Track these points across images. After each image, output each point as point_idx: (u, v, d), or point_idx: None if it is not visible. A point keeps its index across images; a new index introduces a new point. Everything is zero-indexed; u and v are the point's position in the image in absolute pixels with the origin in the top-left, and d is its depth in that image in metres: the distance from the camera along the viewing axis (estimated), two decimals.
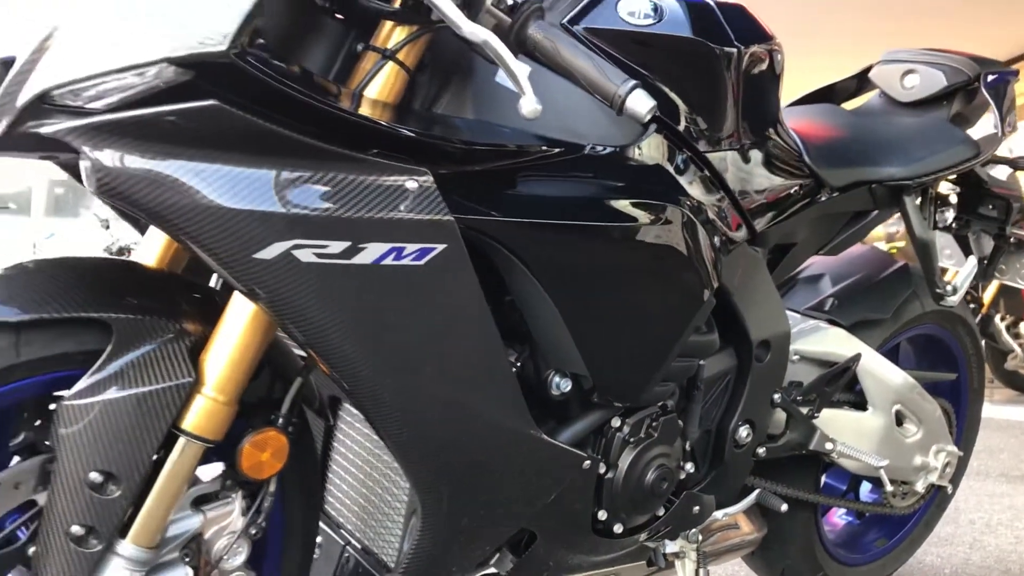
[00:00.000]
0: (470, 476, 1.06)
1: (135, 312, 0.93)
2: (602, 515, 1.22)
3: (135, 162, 0.80)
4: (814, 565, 1.81)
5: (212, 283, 1.17)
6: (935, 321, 1.85)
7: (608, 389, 1.13)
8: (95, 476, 0.91)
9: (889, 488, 1.68)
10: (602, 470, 1.20)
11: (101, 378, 0.91)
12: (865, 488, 1.94)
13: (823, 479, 1.81)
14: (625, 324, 1.11)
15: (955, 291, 1.65)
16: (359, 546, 1.24)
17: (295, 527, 1.14)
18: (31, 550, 0.93)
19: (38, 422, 0.96)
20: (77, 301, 0.92)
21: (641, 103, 0.91)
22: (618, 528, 1.25)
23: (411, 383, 0.97)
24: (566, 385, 1.12)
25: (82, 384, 0.90)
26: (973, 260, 1.75)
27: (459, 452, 1.04)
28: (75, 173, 1.06)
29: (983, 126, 1.71)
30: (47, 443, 0.94)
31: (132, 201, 0.82)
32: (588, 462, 1.16)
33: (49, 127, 0.81)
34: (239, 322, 0.96)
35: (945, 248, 1.99)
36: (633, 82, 0.92)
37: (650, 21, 1.12)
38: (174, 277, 1.07)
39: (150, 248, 1.11)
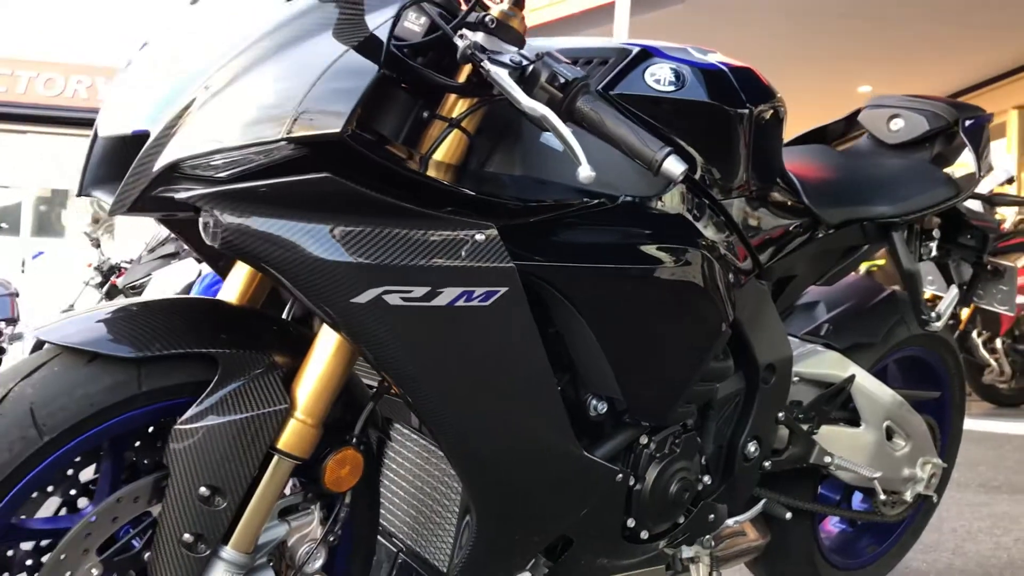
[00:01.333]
0: (522, 488, 1.20)
1: (235, 347, 1.07)
2: (631, 523, 1.37)
3: (256, 223, 0.95)
4: (812, 570, 1.96)
5: (284, 315, 1.32)
6: (920, 343, 2.01)
7: (639, 410, 1.29)
8: (204, 490, 1.04)
9: (882, 497, 1.84)
10: (631, 482, 1.34)
11: (209, 405, 1.04)
12: (856, 498, 2.10)
13: (819, 490, 1.96)
14: (655, 353, 1.26)
15: (939, 317, 1.81)
16: (412, 553, 1.38)
17: (359, 536, 1.28)
18: (145, 556, 1.07)
19: (154, 444, 1.09)
20: (186, 339, 1.05)
21: (675, 167, 1.06)
22: (644, 534, 1.39)
23: (474, 406, 1.12)
24: (603, 407, 1.27)
25: (193, 411, 1.04)
26: (955, 289, 1.91)
27: (513, 466, 1.18)
28: (175, 228, 1.20)
29: (962, 166, 1.87)
30: (161, 462, 1.09)
31: (251, 256, 0.97)
32: (620, 475, 1.31)
33: (183, 193, 0.95)
34: (325, 354, 1.10)
35: (928, 275, 2.15)
36: (668, 149, 1.07)
37: (672, 88, 1.27)
38: (258, 313, 1.21)
39: (232, 287, 1.25)
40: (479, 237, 1.05)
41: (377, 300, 1.00)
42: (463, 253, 1.04)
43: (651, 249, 1.23)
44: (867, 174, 1.82)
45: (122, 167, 1.06)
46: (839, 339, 1.82)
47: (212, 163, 0.95)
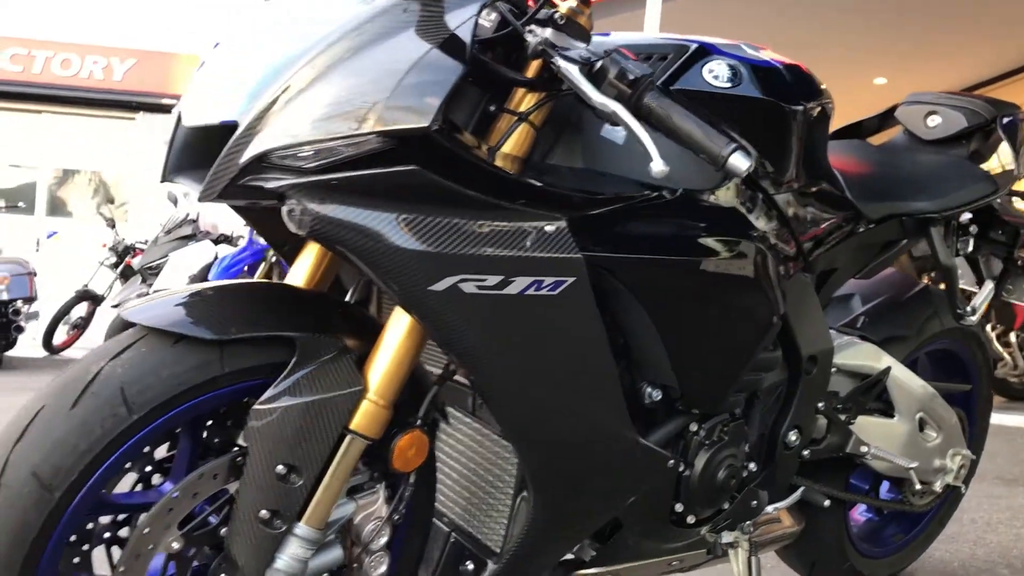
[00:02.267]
0: (579, 471, 1.24)
1: (311, 330, 1.11)
2: (678, 507, 1.41)
3: (343, 212, 0.98)
4: (842, 557, 2.00)
5: (347, 298, 1.36)
6: (951, 336, 2.04)
7: (693, 398, 1.32)
8: (281, 468, 1.08)
9: (917, 487, 1.87)
10: (681, 468, 1.38)
11: (287, 386, 1.08)
12: (883, 488, 2.13)
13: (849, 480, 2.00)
14: (711, 342, 1.30)
15: (974, 311, 1.84)
16: (463, 532, 1.42)
17: (418, 515, 1.32)
18: (222, 531, 1.11)
19: (231, 423, 1.13)
20: (265, 322, 1.09)
21: (740, 162, 1.09)
22: (691, 519, 1.43)
23: (538, 391, 1.15)
24: (657, 395, 1.31)
25: (271, 391, 1.08)
26: (990, 284, 1.94)
27: (572, 450, 1.22)
28: (248, 216, 1.24)
29: (999, 163, 1.90)
30: (233, 441, 1.13)
31: (336, 243, 1.00)
32: (671, 461, 1.35)
33: (273, 183, 0.99)
34: (396, 337, 1.14)
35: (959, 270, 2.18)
36: (734, 145, 1.10)
37: (730, 85, 1.30)
38: (329, 298, 1.25)
39: (299, 272, 1.28)
40: (549, 228, 1.09)
41: (453, 288, 1.04)
42: (534, 244, 1.08)
43: (708, 241, 1.27)
44: (906, 170, 1.85)
45: (204, 156, 1.10)
46: (874, 331, 1.85)
47: (300, 154, 0.99)
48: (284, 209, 1.02)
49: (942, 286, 1.91)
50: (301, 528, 1.11)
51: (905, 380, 1.84)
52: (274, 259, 7.29)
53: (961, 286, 2.15)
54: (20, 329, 7.48)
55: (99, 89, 11.58)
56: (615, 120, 1.09)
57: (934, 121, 1.95)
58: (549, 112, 1.21)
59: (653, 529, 1.42)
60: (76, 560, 1.05)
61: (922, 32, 7.77)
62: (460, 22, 1.03)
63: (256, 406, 1.07)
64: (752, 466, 1.49)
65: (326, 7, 1.10)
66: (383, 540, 1.22)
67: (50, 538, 0.99)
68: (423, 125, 0.97)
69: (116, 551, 1.11)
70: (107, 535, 1.11)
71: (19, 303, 7.43)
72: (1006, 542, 2.68)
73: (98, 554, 1.09)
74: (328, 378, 1.09)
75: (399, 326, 1.14)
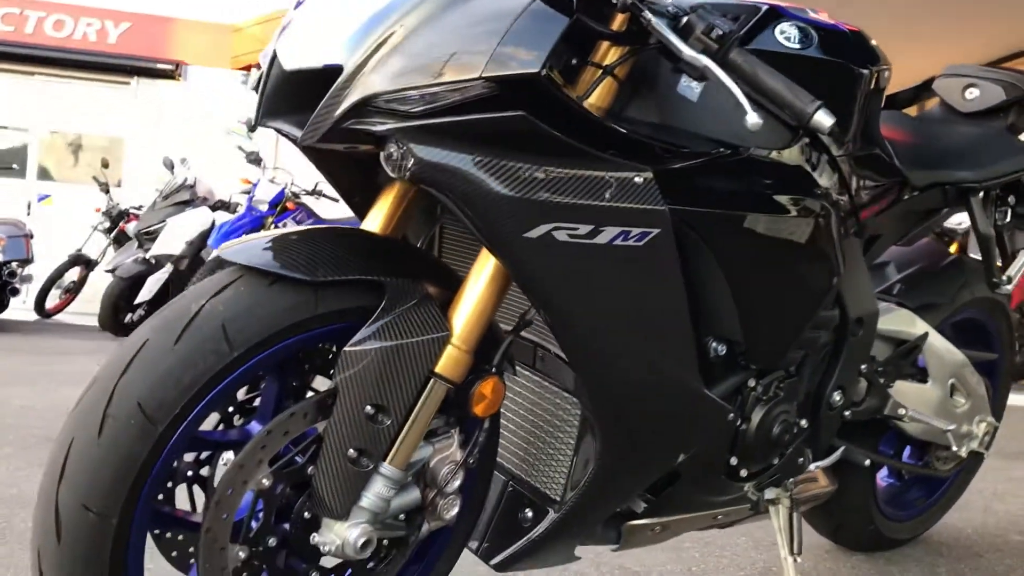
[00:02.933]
0: (648, 420, 1.27)
1: (399, 275, 1.13)
2: (733, 461, 1.44)
3: (448, 157, 1.00)
4: (868, 519, 2.05)
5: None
6: (979, 306, 2.09)
7: (756, 354, 1.35)
8: (369, 409, 1.10)
9: (949, 451, 1.92)
10: (738, 422, 1.41)
11: (376, 329, 1.10)
12: (906, 453, 2.18)
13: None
14: (778, 298, 1.33)
15: (1010, 281, 1.88)
16: (521, 482, 1.44)
17: (483, 461, 1.34)
18: (309, 469, 1.13)
19: (318, 364, 1.16)
20: (356, 266, 1.11)
21: (825, 119, 1.12)
22: (743, 472, 1.47)
23: (617, 340, 1.18)
24: (722, 349, 1.34)
25: (362, 334, 1.10)
26: None
27: (644, 399, 1.24)
28: (323, 164, 1.25)
29: None
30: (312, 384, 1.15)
31: (438, 187, 1.02)
32: (732, 414, 1.38)
33: (379, 126, 1.00)
34: (480, 285, 1.16)
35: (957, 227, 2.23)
36: (818, 102, 1.12)
37: (801, 46, 1.32)
38: (411, 245, 1.27)
39: (373, 223, 1.29)
40: (638, 180, 1.11)
41: (547, 235, 1.06)
42: (624, 194, 1.10)
43: (780, 198, 1.29)
44: (947, 140, 1.88)
45: (300, 99, 1.11)
46: (910, 298, 1.89)
47: (406, 98, 1.00)
48: (383, 154, 1.04)
49: (976, 255, 1.95)
50: (386, 468, 1.14)
51: (940, 347, 1.88)
52: (274, 226, 7.28)
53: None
54: (15, 291, 7.45)
55: (93, 52, 11.45)
56: (704, 75, 1.10)
57: (972, 94, 1.98)
58: (631, 66, 1.23)
59: (707, 482, 1.45)
60: (162, 496, 1.07)
61: (903, 17, 7.79)
62: None
63: (348, 348, 1.09)
64: (803, 423, 1.53)
65: None
66: (456, 483, 1.25)
67: (150, 471, 1.01)
68: (533, 70, 0.98)
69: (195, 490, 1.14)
70: (190, 472, 1.13)
71: (15, 265, 7.39)
72: (1014, 510, 2.75)
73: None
74: (415, 322, 1.11)
75: (482, 275, 1.17)
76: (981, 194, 1.84)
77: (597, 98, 1.19)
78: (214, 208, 7.78)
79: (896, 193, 1.68)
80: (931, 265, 1.98)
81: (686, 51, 1.10)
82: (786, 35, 1.33)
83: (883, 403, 1.75)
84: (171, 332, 1.02)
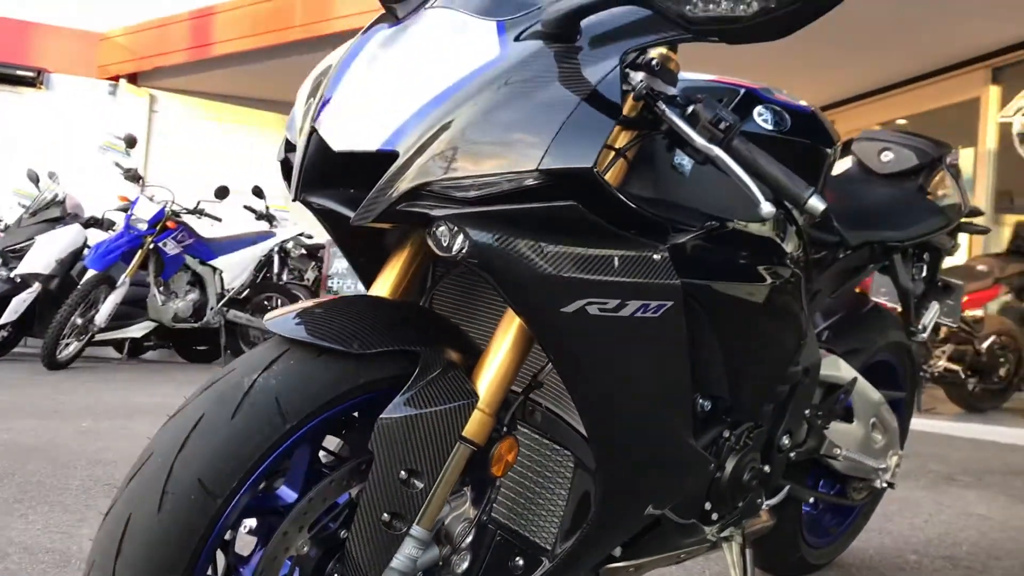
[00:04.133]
0: (648, 472, 1.36)
1: (430, 343, 1.19)
2: (707, 506, 1.55)
3: (499, 241, 1.07)
4: (795, 548, 2.21)
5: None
6: (890, 349, 2.29)
7: (737, 409, 1.47)
8: (403, 474, 1.15)
9: (878, 485, 2.10)
10: (714, 471, 1.52)
11: (410, 397, 1.15)
12: (823, 485, 2.35)
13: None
14: (760, 357, 1.45)
15: (925, 329, 2.08)
16: (510, 532, 1.50)
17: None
18: (342, 533, 1.17)
19: (354, 430, 1.19)
20: (394, 336, 1.16)
21: (818, 204, 1.24)
22: (715, 516, 1.58)
23: (628, 399, 1.26)
24: (708, 405, 1.44)
25: (397, 401, 1.14)
26: (936, 305, 2.19)
27: (646, 453, 1.33)
28: (334, 230, 1.29)
29: (947, 197, 2.14)
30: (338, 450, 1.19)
31: (487, 268, 1.08)
32: (712, 464, 1.49)
33: (438, 210, 1.06)
34: (503, 351, 1.23)
35: (881, 287, 2.43)
36: (812, 188, 1.24)
37: (776, 128, 1.45)
38: (433, 313, 1.32)
39: (384, 286, 1.34)
40: (656, 257, 1.20)
41: (581, 310, 1.14)
42: (646, 271, 1.19)
43: (760, 268, 1.41)
44: (869, 199, 2.06)
45: (337, 175, 1.16)
46: (837, 344, 2.06)
47: (462, 185, 1.06)
48: (431, 233, 1.09)
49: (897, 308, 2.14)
50: (416, 529, 1.18)
51: (864, 389, 2.06)
52: (152, 246, 7.06)
53: (886, 301, 2.41)
54: None
55: None
56: (714, 163, 1.21)
57: (887, 157, 2.18)
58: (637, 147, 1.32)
59: (684, 526, 1.55)
60: (210, 570, 1.09)
61: (777, 54, 8.27)
62: (605, 72, 1.12)
63: (384, 416, 1.14)
64: (766, 468, 1.65)
65: (465, 36, 1.17)
66: (468, 540, 1.30)
67: (206, 543, 1.03)
68: (587, 166, 1.06)
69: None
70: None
71: None
72: (905, 531, 2.99)
73: None
74: (446, 390, 1.17)
75: (505, 341, 1.23)
76: (902, 252, 2.03)
77: (611, 178, 1.27)
78: (86, 225, 7.47)
79: (835, 252, 1.84)
80: (853, 313, 2.16)
81: (698, 141, 1.20)
82: (764, 118, 1.45)
83: (820, 443, 1.90)
84: (227, 406, 1.04)
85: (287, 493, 1.16)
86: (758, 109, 1.45)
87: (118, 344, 7.83)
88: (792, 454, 1.81)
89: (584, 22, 1.16)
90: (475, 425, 1.20)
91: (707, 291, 1.32)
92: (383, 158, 1.11)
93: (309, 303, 1.19)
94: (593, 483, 1.36)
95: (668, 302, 1.22)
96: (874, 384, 2.33)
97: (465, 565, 1.31)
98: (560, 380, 1.33)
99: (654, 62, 1.24)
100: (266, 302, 8.24)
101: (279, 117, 12.19)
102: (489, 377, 1.22)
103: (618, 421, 1.27)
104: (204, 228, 7.70)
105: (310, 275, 9.78)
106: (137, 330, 7.37)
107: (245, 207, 8.70)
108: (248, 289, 7.93)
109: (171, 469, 1.01)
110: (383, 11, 1.31)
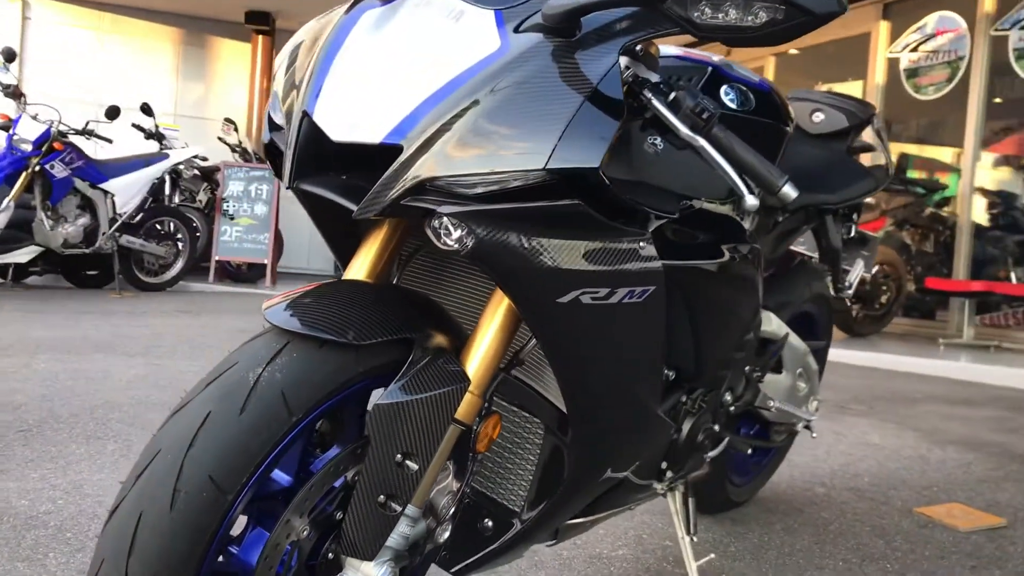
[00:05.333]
0: (619, 439, 1.42)
1: (422, 329, 1.20)
2: (663, 465, 1.63)
3: (503, 237, 1.08)
4: (722, 488, 2.35)
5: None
6: (814, 301, 2.41)
7: (700, 377, 1.54)
8: (399, 457, 1.18)
9: (799, 428, 2.23)
10: (673, 433, 1.60)
11: (406, 382, 1.17)
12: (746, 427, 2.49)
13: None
14: (725, 330, 1.52)
15: (851, 285, 2.20)
16: (479, 495, 1.56)
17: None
18: (337, 515, 1.19)
19: (351, 416, 1.21)
20: (390, 325, 1.17)
21: (791, 191, 1.29)
22: (669, 475, 1.67)
23: (609, 376, 1.31)
24: (672, 375, 1.51)
25: (393, 387, 1.17)
26: (861, 262, 2.31)
27: (619, 422, 1.39)
28: (315, 211, 1.28)
29: (874, 159, 2.24)
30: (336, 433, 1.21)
31: (489, 263, 1.10)
32: (672, 428, 1.57)
33: (441, 206, 1.06)
34: (490, 334, 1.25)
35: (799, 239, 2.55)
36: (786, 176, 1.29)
37: (741, 106, 1.50)
38: (423, 297, 1.32)
39: (361, 267, 1.33)
40: (643, 244, 1.24)
41: (575, 300, 1.17)
42: (632, 259, 1.22)
43: (722, 245, 1.47)
44: (801, 160, 2.14)
45: (329, 162, 1.15)
46: (769, 299, 2.16)
47: (467, 182, 1.07)
48: (430, 226, 1.10)
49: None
50: (410, 509, 1.22)
51: (793, 342, 2.17)
52: (37, 168, 6.71)
53: (806, 251, 2.52)
54: None
55: None
56: (700, 154, 1.24)
57: (818, 117, 2.26)
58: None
59: (642, 484, 1.63)
60: (221, 558, 1.10)
61: None
62: (606, 68, 1.13)
63: (379, 402, 1.16)
64: (716, 428, 1.75)
65: (457, 29, 1.16)
66: (450, 511, 1.35)
67: (215, 537, 1.04)
68: (594, 165, 1.08)
69: None
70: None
71: None
72: (810, 463, 3.19)
73: None
74: (439, 374, 1.19)
75: (492, 324, 1.26)
76: (832, 213, 2.13)
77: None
78: None
79: (776, 217, 1.92)
80: (782, 268, 2.26)
81: (683, 131, 1.23)
82: (730, 97, 1.49)
83: (755, 396, 2.01)
84: (235, 403, 1.04)
85: (280, 476, 1.18)
86: (724, 88, 1.49)
87: (1, 269, 7.47)
88: (732, 408, 1.91)
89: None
90: (466, 407, 1.24)
91: (679, 270, 1.37)
92: (383, 149, 1.10)
93: (298, 291, 1.19)
94: (566, 451, 1.41)
95: (651, 287, 1.26)
96: (800, 334, 2.47)
97: (447, 534, 1.36)
98: (535, 355, 1.38)
99: (638, 48, 1.26)
100: (158, 226, 8.00)
101: (166, 29, 11.62)
102: (477, 360, 1.25)
103: (597, 397, 1.32)
104: (93, 149, 7.35)
105: (202, 197, 9.51)
106: (23, 255, 7.04)
107: (133, 125, 8.35)
108: (141, 213, 7.64)
109: (181, 467, 1.01)
110: None
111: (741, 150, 1.28)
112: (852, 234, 2.23)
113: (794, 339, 2.17)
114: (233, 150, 10.06)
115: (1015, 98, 8.03)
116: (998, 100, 8.07)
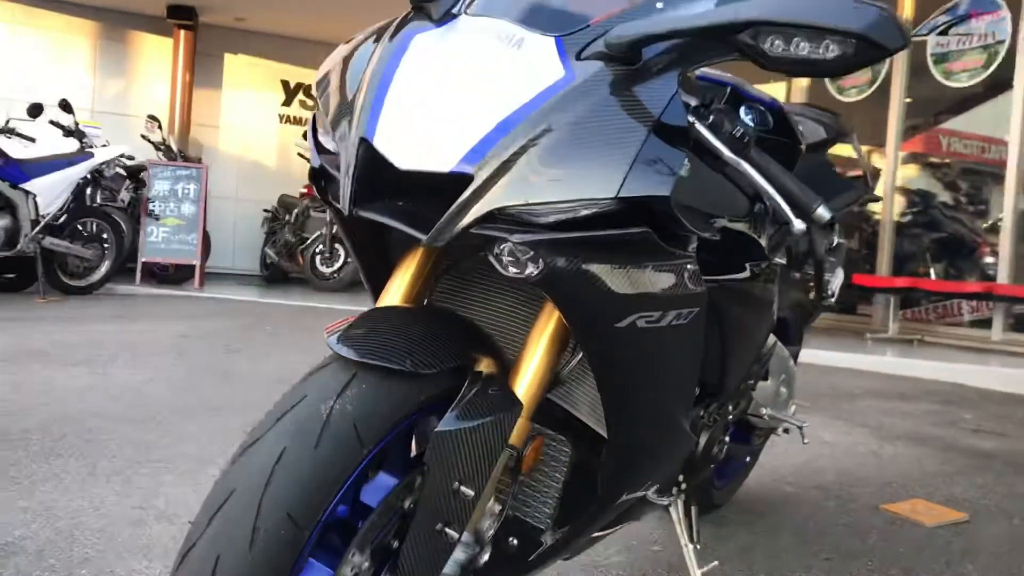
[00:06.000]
0: (652, 456, 1.44)
1: (477, 356, 1.20)
2: (680, 478, 1.66)
3: (571, 264, 1.09)
4: (708, 492, 2.39)
5: None
6: (790, 307, 2.47)
7: (725, 392, 1.57)
8: (456, 484, 1.18)
9: (780, 432, 2.29)
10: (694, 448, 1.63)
11: (462, 410, 1.17)
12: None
13: None
14: (750, 345, 1.55)
15: (834, 294, 2.26)
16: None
17: None
18: (394, 544, 1.18)
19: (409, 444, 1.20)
20: (449, 354, 1.16)
21: (825, 213, 1.32)
22: (683, 486, 1.70)
23: (649, 394, 1.33)
24: (698, 391, 1.53)
25: (450, 415, 1.16)
26: (840, 270, 2.38)
27: (654, 438, 1.41)
28: (352, 236, 1.27)
29: (854, 171, 2.31)
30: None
31: (556, 290, 1.11)
32: (694, 442, 1.59)
33: (512, 235, 1.06)
34: (536, 359, 1.26)
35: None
36: (820, 199, 1.33)
37: (760, 126, 1.53)
38: (471, 324, 1.31)
39: (397, 292, 1.32)
40: (689, 267, 1.26)
41: (631, 324, 1.19)
42: (682, 282, 1.24)
43: (746, 262, 1.50)
44: (797, 175, 2.19)
45: (389, 189, 1.14)
46: None
47: (539, 211, 1.07)
48: (495, 253, 1.10)
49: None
50: (466, 535, 1.22)
51: (778, 349, 2.22)
52: None
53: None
54: None
55: None
56: (740, 179, 1.27)
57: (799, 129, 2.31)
58: None
59: (660, 496, 1.66)
60: None
61: None
62: (668, 96, 1.14)
63: (439, 429, 1.15)
64: (727, 438, 1.78)
65: (518, 57, 1.15)
66: (491, 533, 1.35)
67: (291, 571, 1.02)
68: (665, 194, 1.09)
69: None
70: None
71: None
72: (773, 462, 3.26)
73: None
74: (494, 400, 1.19)
75: (539, 348, 1.26)
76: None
77: None
78: None
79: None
80: None
81: (727, 153, 1.25)
82: (750, 116, 1.53)
83: (748, 404, 2.06)
84: (309, 438, 1.03)
85: (340, 508, 1.16)
86: (743, 108, 1.52)
87: None
88: (731, 416, 1.95)
89: None
90: (517, 431, 1.24)
91: (717, 289, 1.40)
92: (449, 177, 1.09)
93: (353, 320, 1.18)
94: (600, 470, 1.42)
95: (696, 308, 1.28)
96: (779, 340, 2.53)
97: (486, 556, 1.36)
98: (570, 376, 1.38)
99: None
100: (81, 227, 7.73)
101: (82, 23, 11.22)
102: (525, 384, 1.25)
103: (639, 417, 1.34)
104: (14, 148, 7.07)
105: (124, 196, 9.24)
106: None
107: (51, 122, 8.04)
108: (66, 215, 7.38)
109: (260, 505, 0.99)
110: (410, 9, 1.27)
111: (777, 171, 1.31)
112: (835, 244, 2.30)
113: (778, 347, 2.22)
114: (157, 148, 9.79)
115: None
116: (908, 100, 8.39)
